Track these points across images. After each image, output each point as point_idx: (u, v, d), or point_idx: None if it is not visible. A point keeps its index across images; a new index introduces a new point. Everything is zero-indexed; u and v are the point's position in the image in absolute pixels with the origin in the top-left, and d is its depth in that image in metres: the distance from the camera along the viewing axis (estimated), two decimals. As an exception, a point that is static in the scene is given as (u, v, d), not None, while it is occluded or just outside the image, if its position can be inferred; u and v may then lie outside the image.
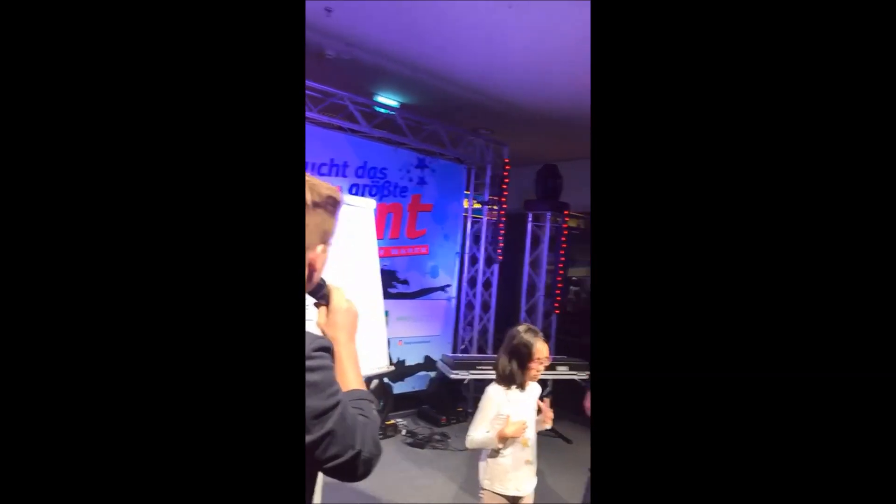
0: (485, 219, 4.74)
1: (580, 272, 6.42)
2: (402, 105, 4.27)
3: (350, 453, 0.74)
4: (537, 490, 1.86)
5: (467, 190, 4.77)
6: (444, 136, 4.30)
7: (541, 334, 1.84)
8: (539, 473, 1.86)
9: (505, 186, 4.59)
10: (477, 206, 4.86)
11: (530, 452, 1.80)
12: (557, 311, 4.79)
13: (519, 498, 1.79)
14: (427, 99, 4.15)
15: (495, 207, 4.66)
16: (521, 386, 1.80)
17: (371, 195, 3.99)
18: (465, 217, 4.76)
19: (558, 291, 4.76)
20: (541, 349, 1.78)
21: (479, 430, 1.74)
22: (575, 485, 2.87)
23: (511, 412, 1.77)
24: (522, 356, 1.77)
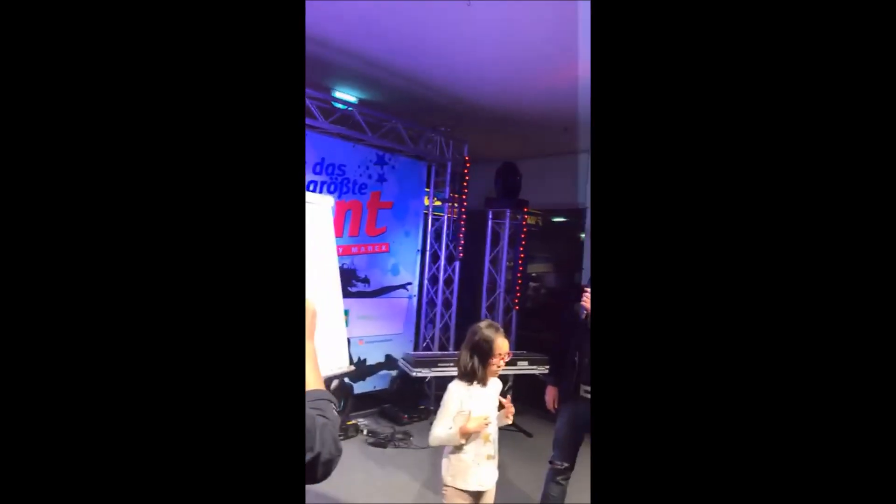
0: (445, 216, 4.75)
1: (539, 268, 6.54)
2: (361, 101, 4.21)
3: (309, 456, 0.72)
4: (499, 483, 1.88)
5: (427, 187, 4.76)
6: (403, 133, 4.28)
7: (501, 330, 1.86)
8: (500, 467, 1.89)
9: (465, 184, 4.61)
10: (437, 203, 4.86)
11: (492, 447, 1.82)
12: (517, 308, 4.86)
13: (481, 493, 1.81)
14: (386, 95, 4.12)
15: (456, 205, 4.67)
16: (483, 381, 1.81)
17: (330, 192, 3.92)
18: (426, 214, 4.75)
19: (518, 288, 4.83)
20: (501, 345, 1.80)
21: (442, 427, 1.75)
22: (536, 477, 2.93)
23: (473, 408, 1.78)
24: (484, 352, 1.79)
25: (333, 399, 0.86)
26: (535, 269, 6.42)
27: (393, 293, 4.48)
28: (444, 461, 1.81)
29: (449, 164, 4.71)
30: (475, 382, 1.80)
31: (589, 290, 2.31)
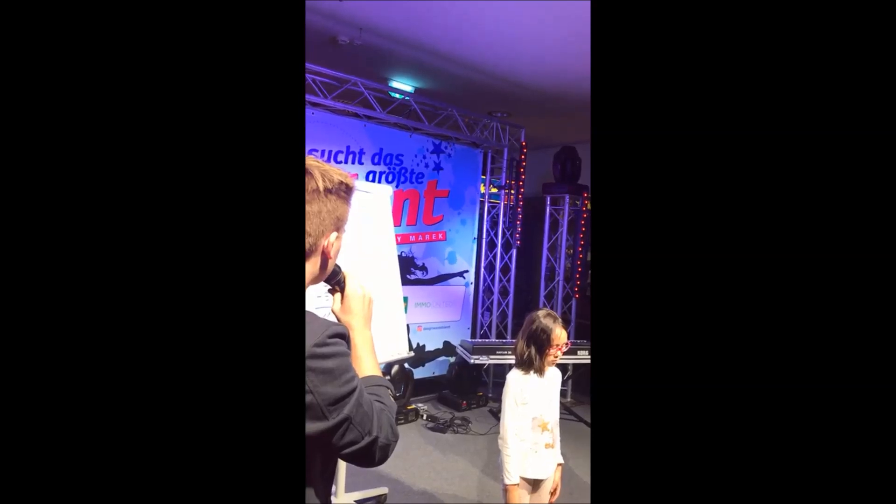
0: (502, 203, 4.70)
1: (600, 255, 6.35)
2: (417, 90, 4.23)
3: (367, 440, 0.74)
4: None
5: (484, 174, 4.73)
6: (459, 121, 4.26)
7: (560, 319, 1.82)
8: (562, 457, 1.87)
9: (522, 170, 4.54)
10: (494, 190, 4.82)
11: (550, 436, 1.80)
12: (577, 296, 4.75)
13: (540, 480, 1.80)
14: (441, 83, 4.11)
15: (512, 191, 4.61)
16: (540, 371, 1.79)
17: (388, 182, 3.99)
18: (483, 202, 4.73)
19: (578, 275, 4.71)
20: (559, 335, 1.77)
21: (510, 418, 1.74)
22: (596, 468, 2.87)
23: (530, 397, 1.77)
24: (541, 341, 1.76)
25: (390, 385, 0.88)
26: (595, 256, 6.24)
27: (450, 281, 4.52)
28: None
29: (506, 151, 4.65)
30: (532, 372, 1.79)
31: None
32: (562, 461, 1.84)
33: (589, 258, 5.56)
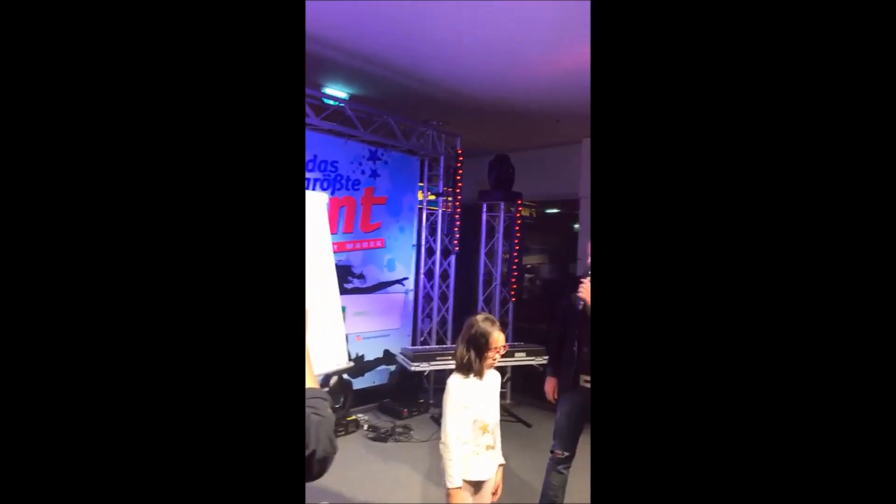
0: (440, 210, 4.75)
1: (534, 260, 6.56)
2: (352, 96, 4.19)
3: (304, 453, 0.73)
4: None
5: (421, 182, 4.75)
6: (395, 128, 4.26)
7: (498, 323, 1.86)
8: (503, 457, 1.90)
9: (459, 177, 4.61)
10: (431, 197, 4.86)
11: (491, 437, 1.83)
12: (514, 299, 4.88)
13: (482, 482, 1.83)
14: (377, 90, 4.10)
15: (450, 199, 4.67)
16: (480, 374, 1.82)
17: (323, 189, 3.91)
18: (420, 209, 4.75)
19: (514, 280, 4.84)
20: (497, 338, 1.81)
21: (452, 421, 1.76)
22: (538, 466, 2.95)
23: (471, 400, 1.80)
24: (480, 345, 1.80)
25: (328, 397, 0.87)
26: (530, 260, 6.43)
27: (389, 289, 4.49)
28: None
29: (442, 158, 4.71)
30: (472, 375, 1.82)
31: (584, 280, 2.32)
32: (503, 461, 1.88)
33: (524, 263, 5.72)
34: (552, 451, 2.44)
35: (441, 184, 4.71)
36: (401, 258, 4.59)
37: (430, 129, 4.62)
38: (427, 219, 4.81)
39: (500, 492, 1.88)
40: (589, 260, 2.35)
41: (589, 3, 0.78)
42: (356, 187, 4.18)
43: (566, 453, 2.40)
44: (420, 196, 4.77)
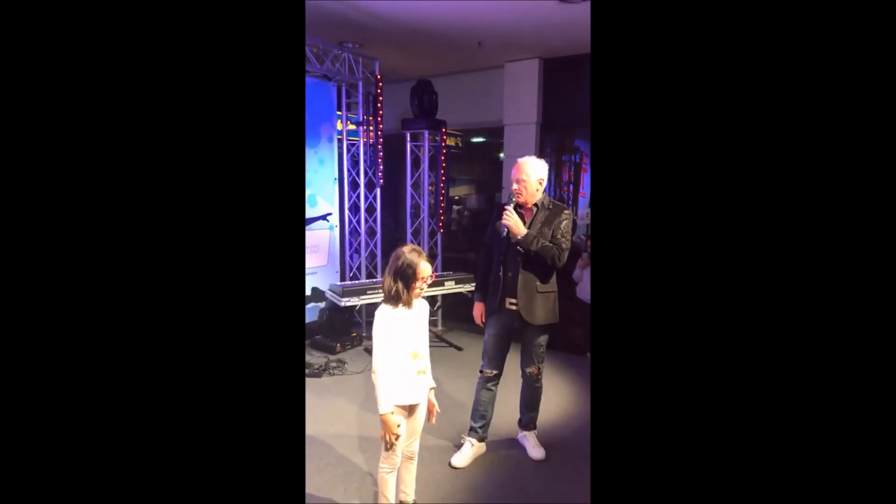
0: (361, 140, 4.55)
1: (462, 191, 6.57)
2: (255, 14, 3.76)
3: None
4: (435, 396, 1.97)
5: (339, 110, 4.49)
6: (307, 51, 3.93)
7: (424, 254, 1.86)
8: (435, 381, 1.97)
9: (380, 105, 4.39)
10: (351, 127, 4.62)
11: (421, 363, 1.88)
12: (442, 231, 4.90)
13: (415, 406, 1.89)
14: (283, 7, 3.70)
15: (371, 128, 4.47)
16: (408, 304, 1.84)
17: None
18: (340, 140, 4.52)
19: (441, 211, 4.84)
20: (424, 269, 1.81)
21: (380, 352, 1.78)
22: (469, 386, 3.11)
23: (400, 329, 1.81)
24: (407, 276, 1.80)
25: None
26: (457, 191, 6.43)
27: (313, 225, 4.33)
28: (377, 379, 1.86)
29: (360, 84, 4.44)
30: (401, 305, 1.82)
31: (509, 207, 2.34)
32: (433, 385, 1.95)
33: (451, 194, 5.71)
34: (481, 371, 2.56)
35: (360, 112, 4.48)
36: (322, 193, 4.41)
37: (346, 51, 4.31)
38: (348, 150, 4.60)
39: (435, 410, 1.96)
40: (515, 193, 2.37)
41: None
42: (268, 117, 3.87)
43: (494, 372, 2.54)
44: (339, 126, 4.52)
